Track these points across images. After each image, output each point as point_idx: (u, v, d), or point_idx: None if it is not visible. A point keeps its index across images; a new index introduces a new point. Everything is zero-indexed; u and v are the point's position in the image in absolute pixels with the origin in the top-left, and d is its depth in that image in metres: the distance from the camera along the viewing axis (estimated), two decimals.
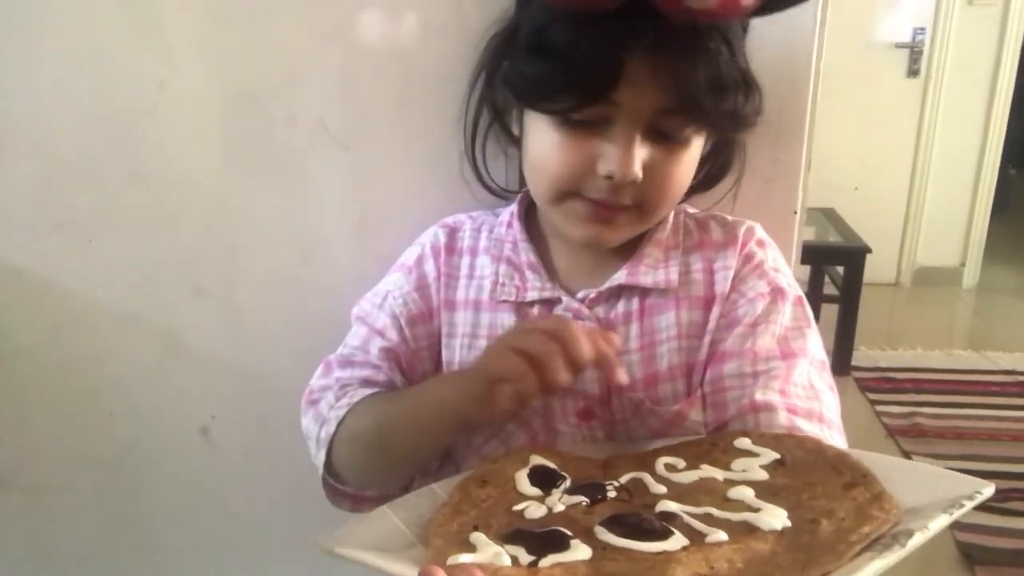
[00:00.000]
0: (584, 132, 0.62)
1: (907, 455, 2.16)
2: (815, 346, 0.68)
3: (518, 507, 0.52)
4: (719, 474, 0.54)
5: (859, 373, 2.61)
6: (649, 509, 0.50)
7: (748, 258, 0.70)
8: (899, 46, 3.14)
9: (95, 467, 0.97)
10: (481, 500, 0.53)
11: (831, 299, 2.65)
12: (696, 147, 0.65)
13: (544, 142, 0.64)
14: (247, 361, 0.94)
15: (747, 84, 0.63)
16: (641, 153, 0.61)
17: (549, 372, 0.54)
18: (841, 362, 2.59)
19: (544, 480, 0.56)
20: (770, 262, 0.71)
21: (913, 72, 3.16)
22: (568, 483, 0.56)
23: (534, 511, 0.51)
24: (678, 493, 0.52)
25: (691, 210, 0.76)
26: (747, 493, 0.51)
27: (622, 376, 0.58)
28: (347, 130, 0.86)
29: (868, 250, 2.57)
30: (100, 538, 1.01)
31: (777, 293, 0.68)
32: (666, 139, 0.62)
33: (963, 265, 3.42)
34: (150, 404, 0.95)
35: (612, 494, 0.53)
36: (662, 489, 0.53)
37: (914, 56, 3.14)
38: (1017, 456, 2.14)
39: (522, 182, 0.77)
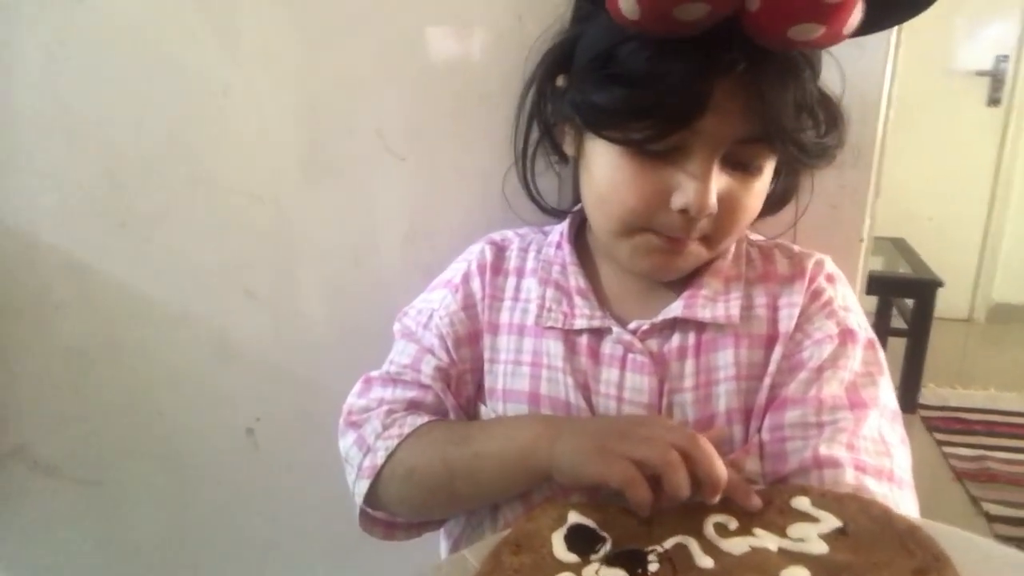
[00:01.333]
0: (657, 162, 0.57)
1: (975, 500, 2.05)
2: (887, 395, 0.62)
3: None
4: (773, 542, 0.49)
5: (927, 412, 2.49)
6: None
7: (816, 295, 0.65)
8: (980, 74, 3.01)
9: (145, 462, 0.99)
10: (514, 570, 0.49)
11: (899, 333, 2.54)
12: (768, 174, 0.61)
13: (612, 172, 0.60)
14: (293, 365, 0.95)
15: (830, 113, 0.59)
16: (719, 185, 0.57)
17: (670, 488, 0.50)
18: (907, 399, 2.47)
19: (582, 542, 0.51)
20: (840, 300, 0.65)
21: (994, 101, 3.03)
22: (608, 546, 0.51)
23: None
24: (725, 568, 0.47)
25: (754, 237, 0.71)
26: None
27: (756, 500, 0.52)
28: (403, 141, 0.86)
29: (940, 283, 2.46)
30: (149, 531, 1.03)
31: (847, 335, 0.63)
32: (741, 168, 0.58)
33: None
34: (198, 403, 0.97)
35: (653, 567, 0.48)
36: (708, 562, 0.48)
37: (995, 84, 3.01)
38: None
39: (574, 200, 0.74)
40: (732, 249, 0.68)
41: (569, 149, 0.68)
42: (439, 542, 0.78)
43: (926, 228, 2.97)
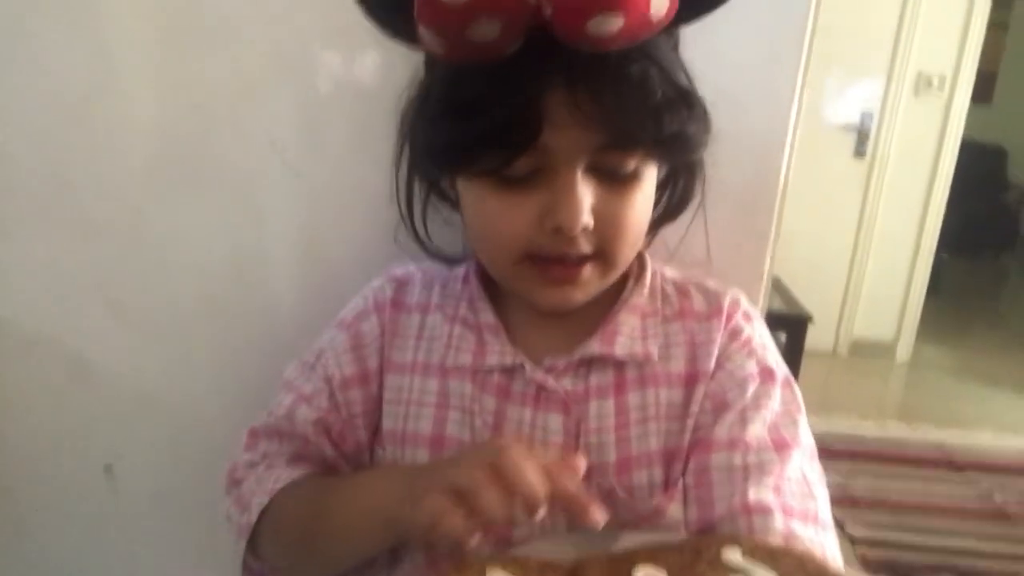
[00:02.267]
0: (521, 188, 0.55)
1: (840, 524, 2.16)
2: (805, 433, 0.61)
3: None
4: None
5: None
6: None
7: (735, 333, 0.63)
8: (847, 128, 3.25)
9: None
10: None
11: None
12: (648, 179, 0.58)
13: (482, 208, 0.58)
14: (163, 394, 0.86)
15: (688, 102, 0.55)
16: (587, 197, 0.54)
17: (481, 509, 0.46)
18: None
19: None
20: (757, 338, 0.64)
21: (860, 153, 3.27)
22: None
23: None
24: None
25: (669, 273, 0.69)
26: None
27: (597, 515, 0.48)
28: (300, 156, 0.81)
29: (810, 318, 2.60)
30: None
31: (766, 374, 0.62)
32: (612, 176, 0.55)
33: (897, 340, 3.51)
34: (49, 432, 0.86)
35: None
36: None
37: (861, 138, 3.25)
38: (946, 529, 2.16)
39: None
40: (647, 286, 0.66)
41: (451, 195, 0.65)
42: None
43: (795, 267, 3.15)
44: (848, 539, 2.09)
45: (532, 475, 0.47)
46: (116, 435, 0.87)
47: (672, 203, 0.67)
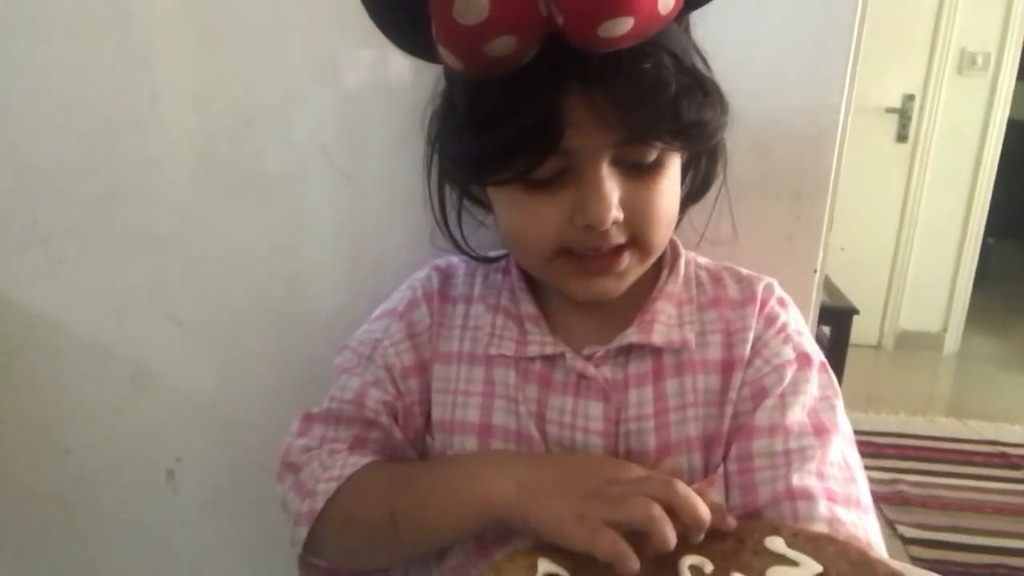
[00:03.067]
0: (550, 190, 0.56)
1: (891, 523, 2.12)
2: (843, 418, 0.62)
3: None
4: None
5: None
6: None
7: (770, 320, 0.64)
8: (889, 111, 3.18)
9: (46, 507, 0.89)
10: None
11: None
12: (673, 166, 0.59)
13: (512, 212, 0.59)
14: (220, 399, 0.88)
15: (702, 88, 0.56)
16: (614, 192, 0.55)
17: (657, 543, 0.49)
18: None
19: None
20: (793, 324, 0.65)
21: (902, 137, 3.19)
22: None
23: None
24: None
25: (702, 260, 0.70)
26: None
27: (732, 523, 0.53)
28: (347, 158, 0.81)
29: (855, 311, 2.55)
30: None
31: (803, 359, 0.63)
32: (636, 168, 0.57)
33: (945, 331, 3.42)
34: (111, 442, 0.87)
35: None
36: None
37: (903, 122, 3.17)
38: (1002, 530, 2.10)
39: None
40: (682, 273, 0.67)
41: (484, 199, 0.66)
42: None
43: (838, 258, 3.10)
44: (899, 539, 2.05)
45: (704, 508, 0.51)
46: (176, 441, 0.88)
47: (696, 185, 0.68)
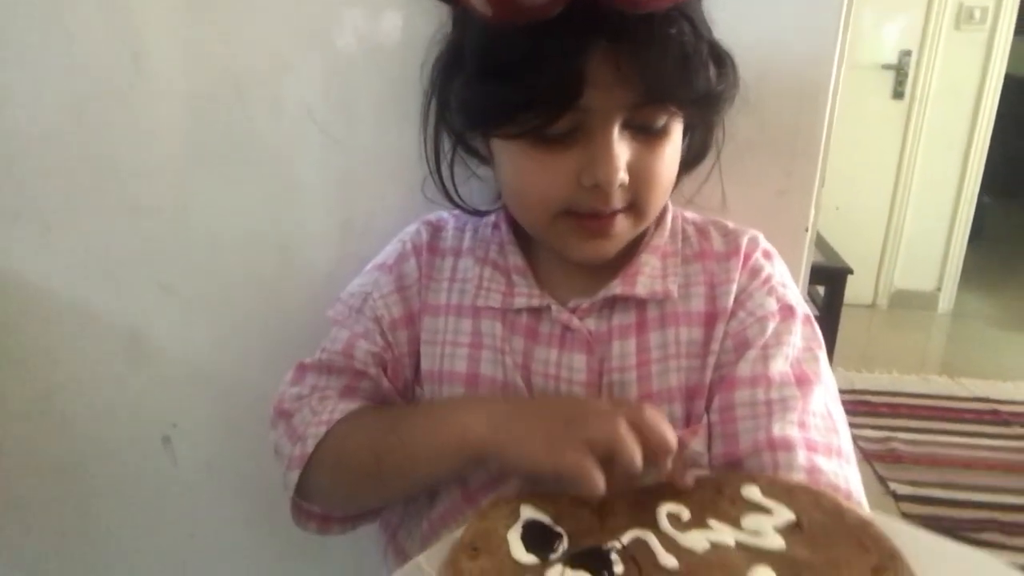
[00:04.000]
0: (558, 147, 0.56)
1: (884, 481, 2.15)
2: (827, 370, 0.63)
3: None
4: (729, 535, 0.49)
5: None
6: None
7: (754, 272, 0.65)
8: (885, 67, 3.15)
9: (45, 475, 0.90)
10: None
11: None
12: (677, 133, 0.60)
13: (519, 166, 0.59)
14: (215, 365, 0.88)
15: (718, 58, 0.57)
16: (623, 154, 0.56)
17: (624, 461, 0.50)
18: None
19: (539, 541, 0.50)
20: (777, 276, 0.66)
21: (898, 94, 3.17)
22: (565, 543, 0.50)
23: None
24: (691, 568, 0.47)
25: (689, 215, 0.71)
26: None
27: (689, 480, 0.54)
28: (337, 122, 0.80)
29: (850, 271, 2.55)
30: (48, 552, 0.93)
31: (787, 311, 0.63)
32: (644, 132, 0.57)
33: (939, 290, 3.44)
34: (108, 409, 0.88)
35: (619, 569, 0.48)
36: (672, 562, 0.47)
37: (899, 78, 3.15)
38: (992, 486, 2.13)
39: (499, 195, 0.71)
40: (668, 227, 0.68)
41: (482, 150, 0.66)
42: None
43: (833, 217, 3.09)
44: (891, 496, 2.08)
45: (671, 432, 0.52)
46: (172, 407, 0.89)
47: (691, 154, 0.69)
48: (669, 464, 0.53)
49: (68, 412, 0.88)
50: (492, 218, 0.71)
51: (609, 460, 0.51)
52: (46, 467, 0.89)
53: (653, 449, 0.51)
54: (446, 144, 0.69)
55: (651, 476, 0.53)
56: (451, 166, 0.70)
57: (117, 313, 0.85)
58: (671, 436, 0.52)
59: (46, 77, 0.77)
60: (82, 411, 0.88)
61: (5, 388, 0.87)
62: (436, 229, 0.73)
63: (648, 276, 0.65)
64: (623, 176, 0.56)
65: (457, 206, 0.72)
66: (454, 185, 0.71)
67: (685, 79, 0.54)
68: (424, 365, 0.68)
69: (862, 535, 0.48)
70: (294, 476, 0.64)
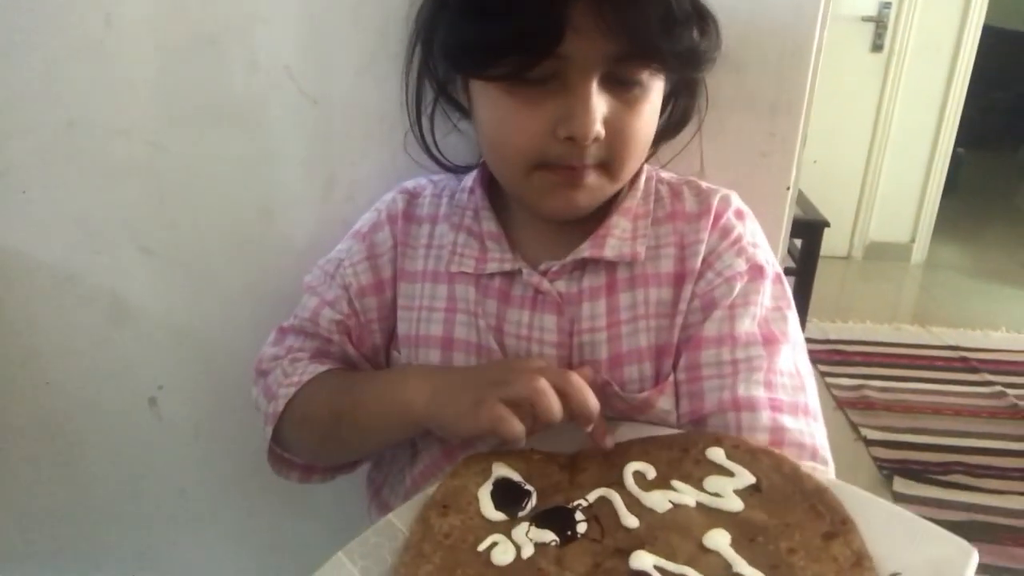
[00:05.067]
0: (536, 95, 0.56)
1: (856, 427, 2.21)
2: (795, 328, 0.64)
3: (484, 545, 0.48)
4: (691, 495, 0.51)
5: (810, 345, 2.52)
6: (622, 555, 0.47)
7: (725, 232, 0.65)
8: (865, 19, 3.13)
9: (30, 439, 0.90)
10: (444, 535, 0.49)
11: (787, 271, 2.66)
12: (656, 92, 0.60)
13: (495, 113, 0.59)
14: (198, 327, 0.88)
15: (701, 17, 0.57)
16: (600, 107, 0.56)
17: (541, 412, 0.53)
18: None
19: (509, 498, 0.52)
20: (748, 236, 0.66)
21: (877, 47, 3.16)
22: (534, 500, 0.52)
23: (501, 554, 0.48)
24: (651, 527, 0.49)
25: (665, 175, 0.71)
26: (723, 541, 0.47)
27: (609, 443, 0.57)
28: (315, 81, 0.79)
29: (826, 224, 2.58)
30: (37, 515, 0.94)
31: (756, 271, 0.64)
32: (624, 87, 0.57)
33: (913, 241, 3.49)
34: (91, 373, 0.88)
35: (582, 528, 0.49)
36: (634, 522, 0.49)
37: (879, 31, 3.13)
38: (959, 430, 2.21)
39: (480, 156, 0.71)
40: (641, 187, 0.68)
41: (463, 100, 0.66)
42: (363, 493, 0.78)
43: (811, 171, 3.10)
44: (863, 441, 2.15)
45: (592, 398, 0.54)
46: (157, 369, 0.89)
47: (672, 121, 0.69)
48: (589, 428, 0.56)
49: (50, 375, 0.87)
50: (468, 183, 0.71)
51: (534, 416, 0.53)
52: (31, 429, 0.89)
53: (574, 411, 0.54)
54: (428, 96, 0.68)
55: (576, 443, 0.55)
56: (431, 118, 0.71)
57: (97, 276, 0.84)
58: (592, 401, 0.54)
59: (16, 36, 0.75)
60: (64, 374, 0.88)
61: None
62: (413, 196, 0.73)
63: (617, 238, 0.65)
64: (598, 129, 0.56)
65: (436, 161, 0.72)
66: (434, 139, 0.71)
67: (668, 34, 0.53)
68: (401, 330, 0.70)
69: (817, 501, 0.49)
70: (269, 431, 0.68)
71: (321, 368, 0.68)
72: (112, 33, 0.75)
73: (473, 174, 0.72)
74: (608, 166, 0.60)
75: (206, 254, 0.85)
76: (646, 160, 0.68)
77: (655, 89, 0.59)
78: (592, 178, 0.60)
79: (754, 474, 0.52)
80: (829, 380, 2.46)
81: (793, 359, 0.62)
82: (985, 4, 3.09)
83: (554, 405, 0.52)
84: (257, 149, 0.81)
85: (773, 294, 0.64)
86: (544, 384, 0.53)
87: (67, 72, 0.76)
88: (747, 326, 0.61)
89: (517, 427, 0.52)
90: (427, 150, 0.72)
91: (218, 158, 0.81)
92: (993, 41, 3.32)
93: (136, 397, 0.89)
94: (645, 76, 0.57)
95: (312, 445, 0.70)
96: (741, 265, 0.63)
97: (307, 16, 0.77)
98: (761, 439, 0.57)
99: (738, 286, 0.63)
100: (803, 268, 2.62)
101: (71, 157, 0.79)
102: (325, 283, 0.72)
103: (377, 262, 0.71)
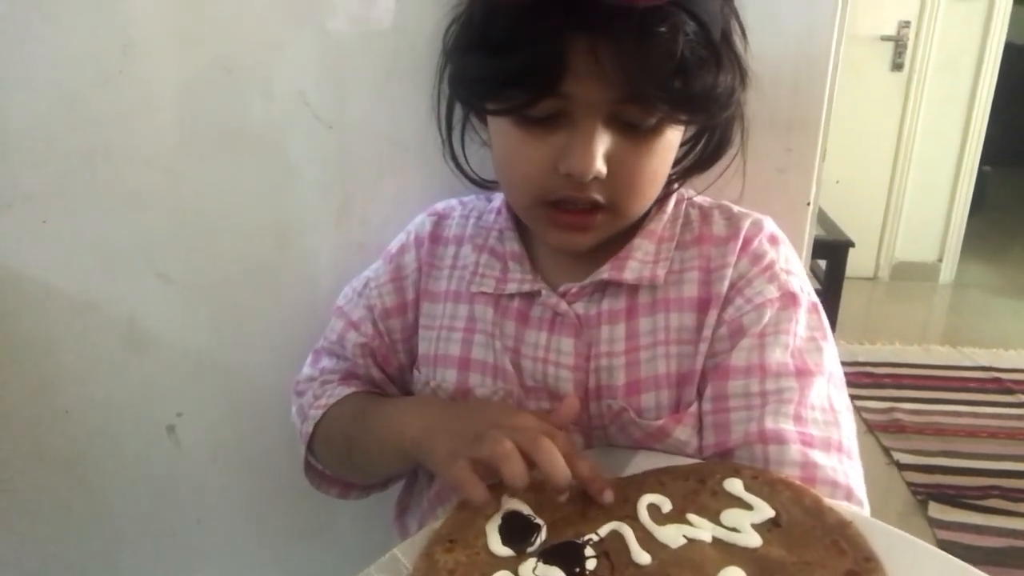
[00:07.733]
0: (543, 130, 0.56)
1: (887, 451, 2.15)
2: (832, 361, 0.61)
3: None
4: (707, 530, 0.48)
5: None
6: None
7: (756, 257, 0.63)
8: (884, 39, 3.12)
9: (49, 467, 0.90)
10: (448, 572, 0.47)
11: None
12: (672, 133, 0.58)
13: (504, 141, 0.59)
14: (216, 354, 0.88)
15: (719, 61, 0.54)
16: (603, 147, 0.55)
17: (507, 479, 0.49)
18: None
19: (517, 533, 0.50)
20: (782, 262, 0.63)
21: (897, 66, 3.14)
22: (543, 535, 0.50)
23: None
24: (663, 565, 0.46)
25: (697, 198, 0.69)
26: None
27: (608, 497, 0.52)
28: (329, 106, 0.80)
29: (851, 244, 2.55)
30: (56, 544, 0.93)
31: (789, 299, 0.61)
32: (633, 129, 0.56)
33: (940, 261, 3.43)
34: (110, 400, 0.88)
35: (591, 564, 0.47)
36: (646, 558, 0.47)
37: (898, 50, 3.12)
38: (995, 453, 2.14)
39: None
40: (669, 211, 0.66)
41: (483, 122, 0.66)
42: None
43: (834, 191, 3.07)
44: (895, 465, 2.09)
45: (560, 466, 0.49)
46: (176, 397, 0.89)
47: (705, 154, 0.66)
48: (563, 497, 0.51)
49: (70, 402, 0.87)
50: (496, 204, 0.72)
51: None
52: (50, 456, 0.89)
53: (544, 479, 0.50)
54: (457, 112, 0.69)
55: (565, 496, 0.52)
56: (462, 133, 0.71)
57: (115, 303, 0.84)
58: (560, 471, 0.49)
59: (37, 67, 0.76)
60: (84, 401, 0.88)
61: (4, 378, 0.86)
62: (441, 218, 0.74)
63: (639, 261, 0.63)
64: (599, 168, 0.55)
65: (466, 175, 0.73)
66: (463, 152, 0.72)
67: (669, 80, 0.51)
68: (421, 349, 0.70)
69: (840, 536, 0.47)
70: (302, 450, 0.71)
71: (348, 390, 0.70)
72: (130, 63, 0.76)
73: (501, 195, 0.72)
74: (613, 205, 0.58)
75: (224, 280, 0.85)
76: (676, 190, 0.67)
77: (669, 130, 0.58)
78: (597, 221, 0.59)
79: (773, 507, 0.49)
80: (859, 403, 2.41)
81: (827, 393, 0.59)
82: (1007, 21, 3.06)
83: (517, 472, 0.49)
84: (273, 174, 0.82)
85: (808, 324, 0.61)
86: (509, 448, 0.49)
87: (86, 101, 0.77)
88: (779, 356, 0.59)
89: (479, 494, 0.50)
90: (456, 164, 0.72)
91: (235, 184, 0.82)
92: (1015, 57, 3.29)
93: (155, 424, 0.89)
94: (654, 119, 0.55)
95: (336, 465, 0.73)
96: (772, 292, 0.61)
97: (321, 43, 0.78)
98: (790, 475, 0.54)
99: (768, 313, 0.60)
100: (828, 289, 2.58)
101: (90, 185, 0.80)
102: (352, 302, 0.74)
103: (402, 284, 0.71)
